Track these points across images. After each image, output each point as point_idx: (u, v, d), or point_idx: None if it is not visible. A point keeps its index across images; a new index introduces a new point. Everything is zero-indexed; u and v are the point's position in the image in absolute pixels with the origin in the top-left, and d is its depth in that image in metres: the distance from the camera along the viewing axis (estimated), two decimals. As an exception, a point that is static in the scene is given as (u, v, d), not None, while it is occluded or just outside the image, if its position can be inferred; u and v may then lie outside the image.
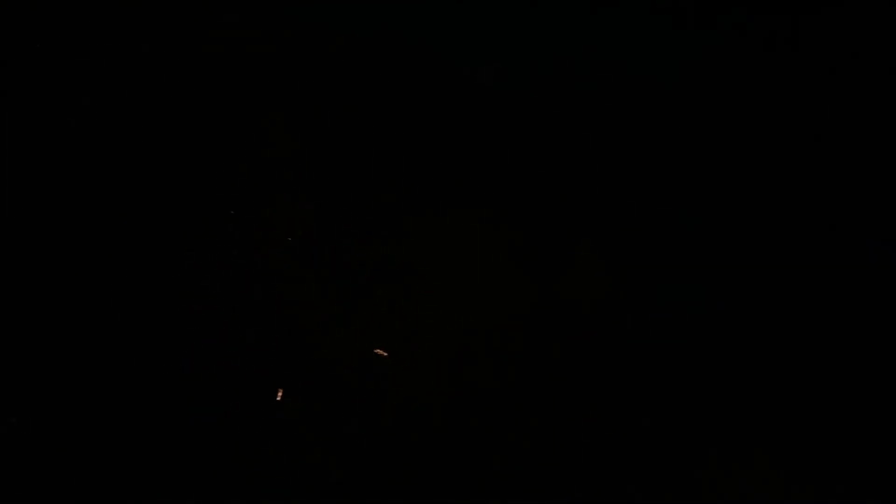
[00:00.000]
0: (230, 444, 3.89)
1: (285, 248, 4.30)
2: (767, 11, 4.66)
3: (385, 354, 4.12)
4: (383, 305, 4.20)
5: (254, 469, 3.87)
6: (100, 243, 4.21)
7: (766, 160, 4.47)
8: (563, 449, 3.99)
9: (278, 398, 3.97)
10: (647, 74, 4.56)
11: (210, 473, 3.84)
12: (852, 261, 4.25)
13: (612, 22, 4.71)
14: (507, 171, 4.51)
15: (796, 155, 4.47)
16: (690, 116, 4.56)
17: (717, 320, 4.17)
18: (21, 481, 3.74)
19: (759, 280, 4.27)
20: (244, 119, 4.52)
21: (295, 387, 4.08)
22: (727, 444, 3.97)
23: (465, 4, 4.81)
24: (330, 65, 4.65)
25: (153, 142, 4.44)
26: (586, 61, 4.68)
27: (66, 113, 4.40)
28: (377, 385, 4.08)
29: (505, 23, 4.64)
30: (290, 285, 4.21)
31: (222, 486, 3.83)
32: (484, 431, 4.01)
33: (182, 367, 3.96)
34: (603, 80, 4.63)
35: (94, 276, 4.12)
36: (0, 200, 4.19)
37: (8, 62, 4.48)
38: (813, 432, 4.00)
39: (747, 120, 4.54)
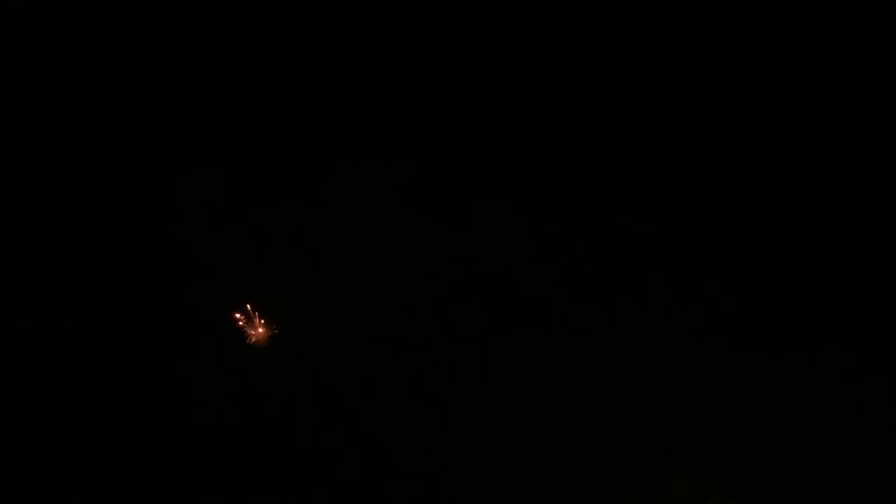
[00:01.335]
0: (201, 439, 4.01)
1: (197, 220, 4.36)
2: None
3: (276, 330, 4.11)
4: (292, 269, 4.39)
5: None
6: (88, 247, 4.32)
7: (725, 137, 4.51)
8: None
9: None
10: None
11: (199, 475, 3.98)
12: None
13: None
14: (415, 132, 4.66)
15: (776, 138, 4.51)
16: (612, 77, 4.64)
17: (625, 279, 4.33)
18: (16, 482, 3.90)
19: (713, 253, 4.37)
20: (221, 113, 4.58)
21: (208, 354, 4.14)
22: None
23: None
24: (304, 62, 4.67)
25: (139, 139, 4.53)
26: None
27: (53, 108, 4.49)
28: (286, 348, 4.24)
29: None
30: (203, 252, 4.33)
31: (211, 486, 3.97)
32: (391, 398, 4.14)
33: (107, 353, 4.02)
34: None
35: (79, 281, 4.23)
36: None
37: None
38: (806, 436, 4.08)
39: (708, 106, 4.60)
